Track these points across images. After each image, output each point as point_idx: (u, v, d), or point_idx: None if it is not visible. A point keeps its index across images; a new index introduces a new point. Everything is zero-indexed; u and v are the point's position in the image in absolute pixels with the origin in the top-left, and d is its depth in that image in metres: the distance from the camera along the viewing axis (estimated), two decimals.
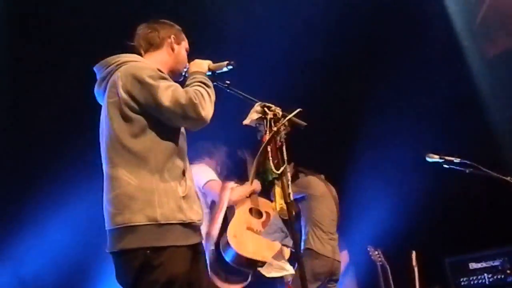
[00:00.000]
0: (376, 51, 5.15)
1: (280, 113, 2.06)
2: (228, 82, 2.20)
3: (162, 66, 2.12)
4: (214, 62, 2.20)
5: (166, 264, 1.81)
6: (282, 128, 2.05)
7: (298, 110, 2.05)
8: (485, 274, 4.38)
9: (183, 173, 1.97)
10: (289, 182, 2.02)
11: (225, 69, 2.17)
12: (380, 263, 4.73)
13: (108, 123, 1.98)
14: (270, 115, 2.05)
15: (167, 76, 2.03)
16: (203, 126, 2.00)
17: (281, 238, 2.17)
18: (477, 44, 5.22)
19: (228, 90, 2.20)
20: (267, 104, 2.08)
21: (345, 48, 4.84)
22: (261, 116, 2.07)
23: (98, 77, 2.13)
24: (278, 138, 2.06)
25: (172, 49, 2.20)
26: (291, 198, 2.02)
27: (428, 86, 5.16)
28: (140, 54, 2.19)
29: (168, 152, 1.95)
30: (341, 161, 5.08)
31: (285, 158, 2.05)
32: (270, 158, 2.04)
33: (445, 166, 3.59)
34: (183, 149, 2.05)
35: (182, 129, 2.08)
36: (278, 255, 2.22)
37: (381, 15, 4.88)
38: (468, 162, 3.49)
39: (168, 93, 1.90)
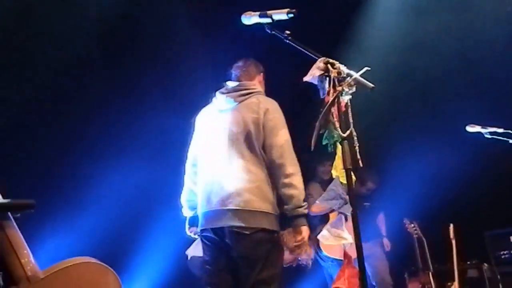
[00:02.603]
0: None
1: (346, 71, 1.91)
2: (288, 32, 2.03)
3: None
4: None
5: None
6: (347, 88, 1.91)
7: (365, 68, 1.89)
8: None
9: None
10: (357, 148, 1.89)
11: (284, 17, 2.01)
12: (416, 235, 4.63)
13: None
14: (334, 73, 1.90)
15: None
16: None
17: (339, 205, 2.06)
18: None
19: (287, 42, 2.03)
20: (331, 61, 1.92)
21: None
22: (324, 73, 1.92)
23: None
24: (343, 99, 1.93)
25: None
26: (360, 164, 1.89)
27: None
28: None
29: None
30: (378, 133, 4.93)
31: (351, 121, 1.92)
32: (334, 120, 1.91)
33: (487, 136, 3.44)
34: None
35: None
36: (337, 223, 2.12)
37: None
38: None
39: None
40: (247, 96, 2.55)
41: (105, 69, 4.46)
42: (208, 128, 2.63)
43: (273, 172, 2.41)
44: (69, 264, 1.73)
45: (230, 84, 2.65)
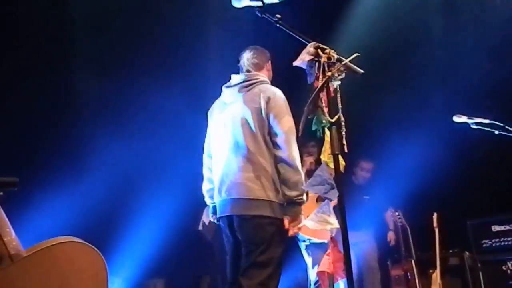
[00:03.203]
0: None
1: (336, 56, 1.91)
2: (278, 16, 2.03)
3: None
4: None
5: None
6: (337, 73, 1.91)
7: (355, 55, 1.89)
8: (508, 237, 4.35)
9: None
10: (343, 133, 1.90)
11: (275, 0, 2.00)
12: (400, 224, 4.70)
13: None
14: (324, 58, 1.90)
15: None
16: None
17: (325, 190, 2.06)
18: None
19: (278, 25, 2.02)
20: (321, 46, 1.91)
21: None
22: (314, 58, 1.92)
23: None
24: (332, 84, 1.92)
25: None
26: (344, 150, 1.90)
27: None
28: None
29: None
30: (364, 122, 4.96)
31: (340, 106, 1.92)
32: (323, 105, 1.91)
33: (473, 127, 3.50)
34: None
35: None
36: (323, 207, 2.13)
37: None
38: (498, 123, 3.40)
39: None
40: (250, 87, 2.61)
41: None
42: (216, 121, 2.74)
43: (278, 156, 2.46)
44: (53, 243, 1.70)
45: (234, 77, 2.71)
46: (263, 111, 2.49)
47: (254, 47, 2.76)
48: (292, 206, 2.45)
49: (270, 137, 2.49)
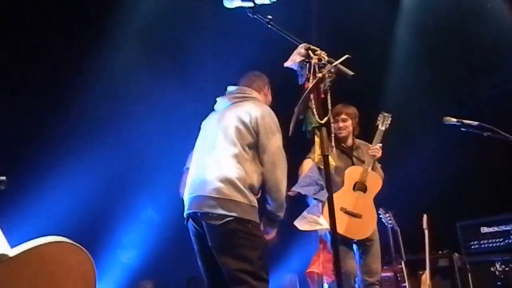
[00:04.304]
0: None
1: (326, 58, 1.92)
2: (270, 17, 2.03)
3: None
4: None
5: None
6: (327, 75, 1.92)
7: (346, 56, 1.90)
8: (497, 239, 4.39)
9: None
10: (332, 134, 1.91)
11: (266, 1, 2.00)
12: (391, 225, 4.71)
13: None
14: (314, 59, 1.91)
15: None
16: None
17: (314, 191, 2.08)
18: None
19: (269, 26, 2.03)
20: (312, 47, 1.93)
21: None
22: (305, 59, 1.93)
23: None
24: (322, 85, 1.93)
25: None
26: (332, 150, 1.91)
27: None
28: None
29: None
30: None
31: (329, 108, 1.93)
32: (313, 106, 1.92)
33: (463, 129, 3.53)
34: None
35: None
36: (313, 208, 2.14)
37: None
38: (487, 126, 3.43)
39: None
40: (242, 99, 2.63)
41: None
42: (203, 127, 2.76)
43: (264, 175, 2.45)
44: (41, 243, 1.68)
45: (229, 88, 2.73)
46: (250, 126, 2.48)
47: (252, 72, 2.80)
48: (269, 221, 2.45)
49: (257, 154, 2.48)
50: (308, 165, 3.04)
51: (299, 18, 4.60)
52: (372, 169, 3.57)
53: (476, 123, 3.48)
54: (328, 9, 5.11)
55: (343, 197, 3.31)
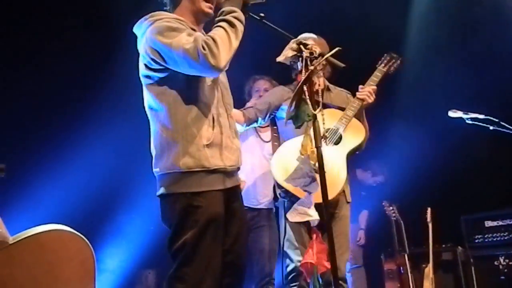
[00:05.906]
0: None
1: (317, 51, 1.95)
2: (262, 14, 2.05)
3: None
4: None
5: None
6: (319, 67, 1.95)
7: (336, 49, 1.94)
8: (501, 233, 4.37)
9: (213, 120, 1.94)
10: (324, 126, 1.95)
11: (259, 0, 2.03)
12: (394, 218, 4.73)
13: None
14: (306, 53, 1.94)
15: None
16: (214, 75, 1.93)
17: (305, 183, 2.11)
18: None
19: (262, 23, 2.05)
20: (304, 41, 1.96)
21: None
22: (297, 54, 1.96)
23: None
24: (314, 78, 1.97)
25: None
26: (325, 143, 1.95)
27: None
28: None
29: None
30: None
31: (321, 100, 1.97)
32: (306, 98, 1.95)
33: (468, 122, 3.52)
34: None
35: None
36: (304, 200, 2.18)
37: None
38: (493, 119, 3.42)
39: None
40: None
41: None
42: None
43: None
44: (40, 231, 1.71)
45: None
46: None
47: None
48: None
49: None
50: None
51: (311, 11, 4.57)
52: (356, 117, 2.83)
53: (482, 116, 3.47)
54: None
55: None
